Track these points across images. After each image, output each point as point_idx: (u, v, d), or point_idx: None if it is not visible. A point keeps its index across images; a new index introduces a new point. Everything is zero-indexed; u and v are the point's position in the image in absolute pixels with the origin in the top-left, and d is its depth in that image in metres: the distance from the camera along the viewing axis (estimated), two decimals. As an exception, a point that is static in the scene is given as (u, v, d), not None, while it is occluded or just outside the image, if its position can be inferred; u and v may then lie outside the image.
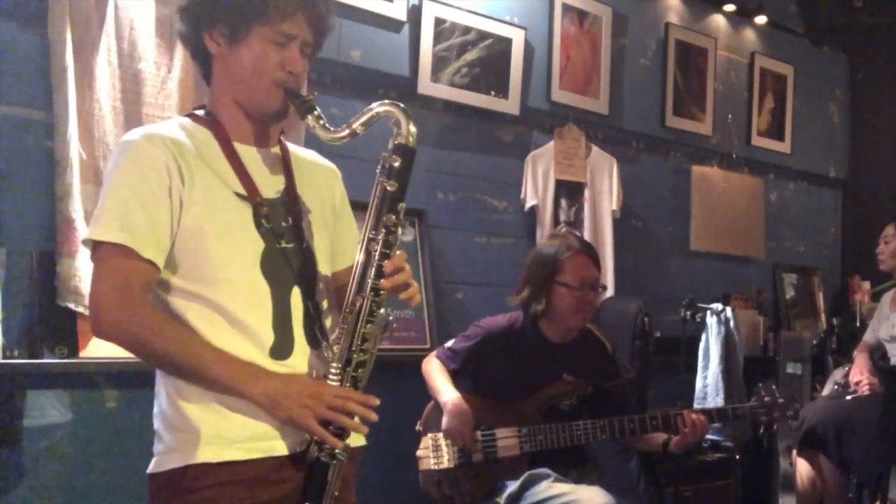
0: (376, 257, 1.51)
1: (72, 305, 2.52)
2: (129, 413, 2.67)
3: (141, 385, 2.65)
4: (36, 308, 2.53)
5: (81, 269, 2.53)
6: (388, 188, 1.53)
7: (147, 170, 1.47)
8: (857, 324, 4.58)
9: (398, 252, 1.55)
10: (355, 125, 1.55)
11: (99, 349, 2.55)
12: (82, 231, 2.55)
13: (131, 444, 2.64)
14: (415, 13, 3.43)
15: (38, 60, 2.56)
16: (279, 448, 1.50)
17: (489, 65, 3.64)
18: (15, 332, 2.49)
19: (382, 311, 1.53)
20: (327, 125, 1.56)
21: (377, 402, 1.51)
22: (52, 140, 2.54)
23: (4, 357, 2.44)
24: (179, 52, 2.78)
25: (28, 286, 2.53)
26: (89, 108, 2.62)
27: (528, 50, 3.80)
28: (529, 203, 3.79)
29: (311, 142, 2.64)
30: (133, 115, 2.71)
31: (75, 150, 2.55)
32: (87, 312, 2.52)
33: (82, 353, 2.56)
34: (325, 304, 1.63)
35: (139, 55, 2.73)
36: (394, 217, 1.53)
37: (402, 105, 1.57)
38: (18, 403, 2.51)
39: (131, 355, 1.49)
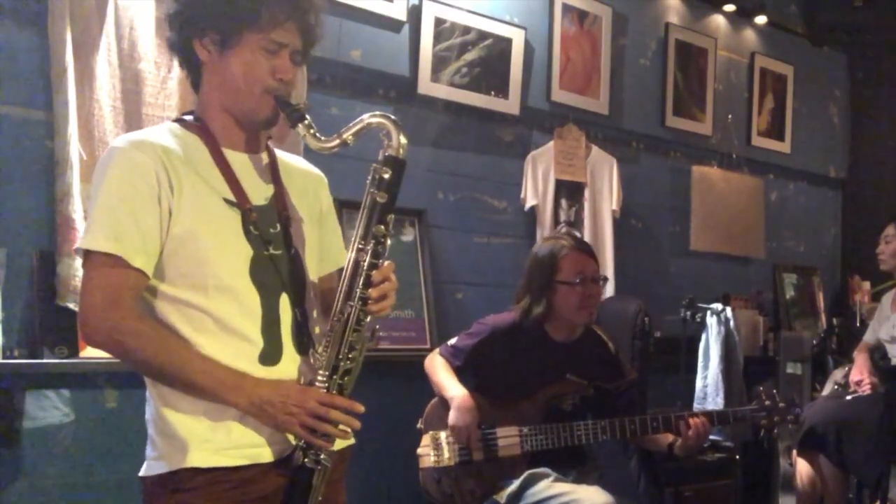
0: (365, 267, 1.53)
1: (72, 305, 2.52)
2: (129, 413, 2.66)
3: (141, 385, 2.62)
4: (36, 308, 2.53)
5: (81, 270, 2.52)
6: (379, 199, 1.55)
7: (135, 178, 1.47)
8: (857, 324, 4.58)
9: (386, 262, 1.57)
10: (346, 135, 1.57)
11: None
12: (82, 231, 2.54)
13: (131, 444, 2.63)
14: (415, 13, 3.43)
15: (38, 60, 2.55)
16: (265, 455, 1.52)
17: (489, 65, 3.63)
18: (15, 332, 2.49)
19: (369, 319, 1.55)
20: (317, 134, 1.57)
21: (362, 409, 1.53)
22: (52, 140, 2.54)
23: (4, 357, 2.44)
24: (179, 52, 2.78)
25: (28, 286, 2.53)
26: (89, 108, 2.62)
27: (528, 50, 3.80)
28: (529, 203, 3.79)
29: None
30: (133, 115, 2.71)
31: (75, 150, 2.54)
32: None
33: (82, 353, 2.56)
34: (313, 312, 1.65)
35: (139, 55, 2.73)
36: (383, 228, 1.54)
37: (392, 117, 1.59)
38: (18, 403, 2.50)
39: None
